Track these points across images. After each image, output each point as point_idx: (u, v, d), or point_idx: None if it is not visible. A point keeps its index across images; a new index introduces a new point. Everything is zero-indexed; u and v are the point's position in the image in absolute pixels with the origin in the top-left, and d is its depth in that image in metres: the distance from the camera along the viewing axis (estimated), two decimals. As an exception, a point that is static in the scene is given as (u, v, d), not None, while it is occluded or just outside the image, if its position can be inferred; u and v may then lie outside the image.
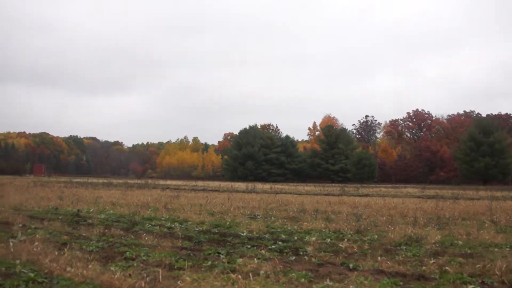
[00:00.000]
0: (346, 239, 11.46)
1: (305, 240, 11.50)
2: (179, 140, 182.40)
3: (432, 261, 8.65)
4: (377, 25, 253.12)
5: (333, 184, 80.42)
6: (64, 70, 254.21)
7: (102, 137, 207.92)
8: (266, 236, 12.21)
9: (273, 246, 10.49)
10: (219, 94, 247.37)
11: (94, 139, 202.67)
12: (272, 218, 16.85)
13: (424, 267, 8.33)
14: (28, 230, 12.21)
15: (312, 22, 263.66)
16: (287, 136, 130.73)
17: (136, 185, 52.75)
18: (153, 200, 24.42)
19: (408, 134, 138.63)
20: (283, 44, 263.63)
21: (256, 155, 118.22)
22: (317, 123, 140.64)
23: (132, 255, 9.19)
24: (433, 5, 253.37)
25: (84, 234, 12.02)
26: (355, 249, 10.12)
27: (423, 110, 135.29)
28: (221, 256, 9.33)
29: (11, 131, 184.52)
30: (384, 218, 16.83)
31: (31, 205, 20.29)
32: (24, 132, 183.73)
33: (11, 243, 9.35)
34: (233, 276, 7.26)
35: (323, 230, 13.34)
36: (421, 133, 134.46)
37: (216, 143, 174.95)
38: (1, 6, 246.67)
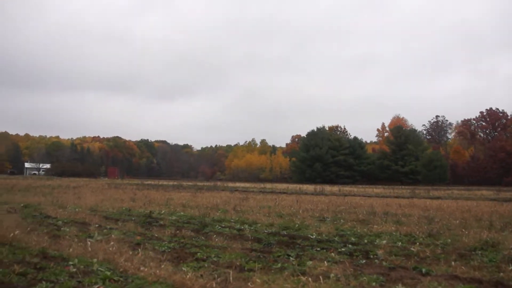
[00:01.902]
0: (417, 243, 11.21)
1: (376, 243, 11.33)
2: (247, 142, 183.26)
3: (510, 268, 8.31)
4: (447, 25, 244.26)
5: (402, 186, 78.36)
6: (136, 77, 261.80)
7: (171, 141, 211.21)
8: (336, 238, 12.13)
9: (342, 249, 10.41)
10: (287, 96, 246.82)
11: (164, 142, 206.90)
12: (341, 220, 16.70)
13: (501, 274, 8.01)
14: (103, 230, 12.75)
15: (379, 22, 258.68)
16: (355, 138, 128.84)
17: (205, 187, 53.61)
18: (222, 202, 24.76)
19: (482, 134, 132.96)
20: (350, 46, 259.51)
21: (324, 157, 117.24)
22: (386, 124, 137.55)
23: (203, 256, 9.38)
24: (504, 2, 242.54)
25: (156, 235, 12.39)
26: (428, 253, 9.87)
27: (497, 109, 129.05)
28: (291, 258, 9.36)
29: (87, 136, 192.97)
30: (457, 221, 16.31)
31: (106, 206, 21.11)
32: (98, 137, 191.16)
33: (89, 243, 9.82)
34: (303, 278, 7.27)
35: (394, 233, 13.10)
36: (496, 133, 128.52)
37: (283, 146, 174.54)
38: (78, 19, 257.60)
